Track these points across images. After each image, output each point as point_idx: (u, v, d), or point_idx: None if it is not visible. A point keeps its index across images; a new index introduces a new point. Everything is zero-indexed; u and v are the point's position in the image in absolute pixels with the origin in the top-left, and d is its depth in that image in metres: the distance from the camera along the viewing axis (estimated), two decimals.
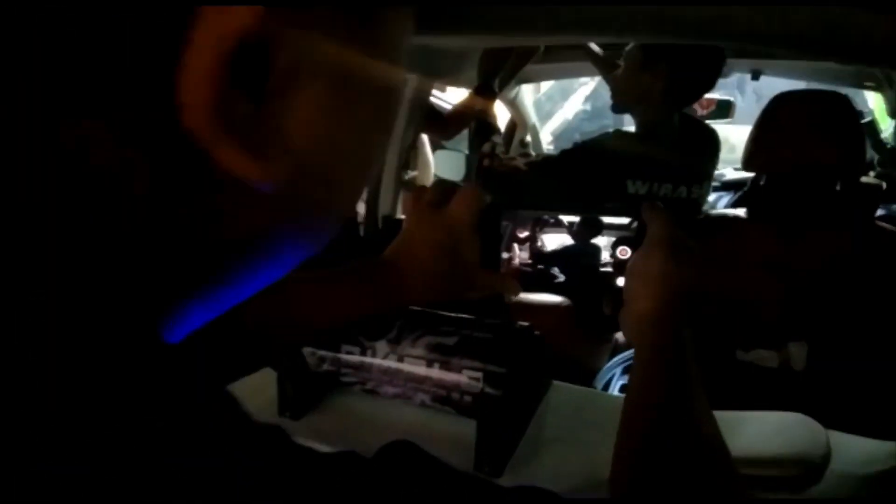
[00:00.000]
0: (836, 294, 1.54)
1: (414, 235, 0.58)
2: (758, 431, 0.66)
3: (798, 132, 1.45)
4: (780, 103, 1.48)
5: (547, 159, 1.55)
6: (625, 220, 0.67)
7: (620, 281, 0.61)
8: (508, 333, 0.64)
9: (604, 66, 1.82)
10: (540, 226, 0.70)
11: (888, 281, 1.46)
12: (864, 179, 1.47)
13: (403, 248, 0.59)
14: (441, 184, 0.64)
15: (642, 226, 0.60)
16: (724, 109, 2.19)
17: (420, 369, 0.63)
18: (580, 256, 0.69)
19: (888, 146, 2.00)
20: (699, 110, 2.28)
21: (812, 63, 1.75)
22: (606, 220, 0.62)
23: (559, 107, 3.95)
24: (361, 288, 0.57)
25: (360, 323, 0.66)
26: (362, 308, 0.57)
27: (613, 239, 0.68)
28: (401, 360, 0.64)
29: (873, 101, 2.08)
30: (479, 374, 0.61)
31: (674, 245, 0.56)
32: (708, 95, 2.17)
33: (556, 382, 0.74)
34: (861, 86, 1.86)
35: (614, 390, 1.71)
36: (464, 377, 0.61)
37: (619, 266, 0.64)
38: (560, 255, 0.67)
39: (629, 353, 1.86)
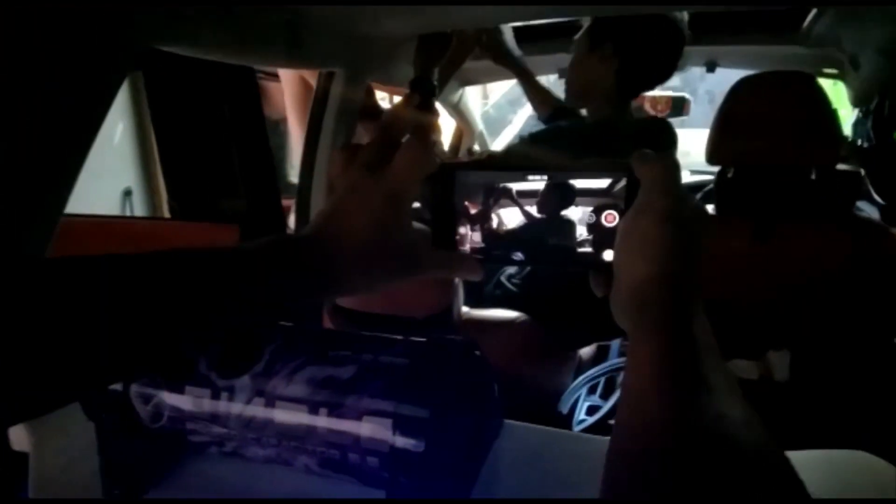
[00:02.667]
0: (819, 294, 1.38)
1: (345, 204, 0.47)
2: (818, 477, 0.45)
3: (766, 117, 1.28)
4: (744, 87, 1.31)
5: (493, 154, 1.39)
6: (602, 184, 0.48)
7: (608, 255, 0.50)
8: (434, 355, 0.41)
9: (523, 74, 1.71)
10: (495, 198, 0.54)
11: (873, 276, 1.30)
12: (840, 167, 1.30)
13: (332, 221, 0.46)
14: (380, 140, 0.50)
15: (632, 183, 0.48)
16: (678, 107, 2.04)
17: (300, 417, 0.40)
18: (548, 233, 0.50)
19: (849, 139, 1.85)
20: (653, 112, 2.14)
21: (771, 50, 1.60)
22: (580, 185, 0.47)
23: (509, 118, 3.78)
24: (269, 272, 0.42)
25: (211, 349, 0.43)
26: (269, 303, 0.42)
27: (590, 209, 0.48)
28: (271, 404, 0.41)
29: (830, 92, 1.94)
30: (388, 422, 0.38)
31: (676, 198, 0.45)
32: (662, 93, 2.02)
33: (508, 422, 0.51)
34: (821, 74, 1.71)
35: (581, 413, 1.51)
36: (366, 427, 0.38)
37: (605, 236, 0.45)
38: (522, 234, 0.48)
39: (595, 370, 1.67)
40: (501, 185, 0.53)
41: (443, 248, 0.52)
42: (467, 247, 0.54)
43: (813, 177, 1.30)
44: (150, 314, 0.38)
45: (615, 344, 1.76)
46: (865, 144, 1.82)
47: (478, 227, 0.54)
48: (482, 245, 0.54)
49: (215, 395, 0.42)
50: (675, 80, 1.78)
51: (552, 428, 0.52)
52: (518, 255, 0.54)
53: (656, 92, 1.97)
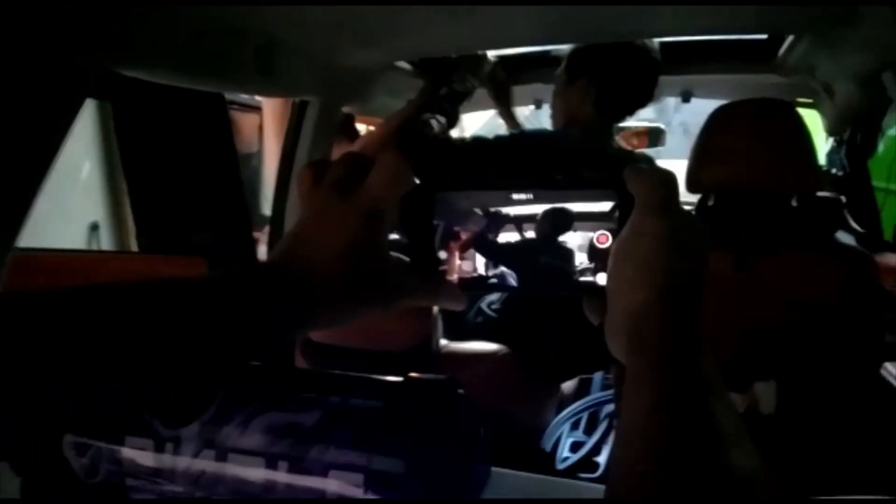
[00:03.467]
0: (804, 323, 1.34)
1: (314, 227, 0.42)
2: None
3: (747, 145, 1.26)
4: (723, 115, 1.29)
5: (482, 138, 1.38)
6: (603, 207, 0.44)
7: (602, 279, 0.45)
8: (410, 396, 0.36)
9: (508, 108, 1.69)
10: (487, 228, 0.51)
11: (857, 304, 1.27)
12: (820, 194, 1.28)
13: (299, 247, 0.42)
14: (351, 156, 0.45)
15: (625, 201, 0.43)
16: (654, 138, 2.03)
17: (257, 473, 0.34)
18: (541, 257, 0.46)
19: (824, 168, 1.85)
20: (629, 147, 2.14)
21: (745, 79, 1.59)
22: (579, 209, 0.44)
23: None
24: (232, 305, 0.38)
25: (155, 392, 0.37)
26: (232, 338, 0.38)
27: (591, 235, 0.44)
28: (223, 457, 0.35)
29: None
30: (358, 477, 0.32)
31: (673, 215, 0.41)
32: (637, 124, 2.01)
33: (496, 470, 0.46)
34: (796, 103, 1.70)
35: (564, 450, 1.46)
36: (333, 483, 0.33)
37: (599, 258, 0.40)
38: (513, 257, 0.44)
39: (578, 404, 1.62)
40: (492, 209, 0.49)
41: (422, 274, 0.48)
42: (454, 275, 0.49)
43: (794, 204, 1.28)
44: (92, 351, 0.33)
45: (597, 377, 1.71)
46: (840, 173, 1.82)
47: (463, 251, 0.50)
48: (468, 272, 0.50)
49: (159, 447, 0.36)
50: (649, 112, 1.77)
51: (543, 476, 0.46)
52: (508, 280, 0.50)
53: (631, 123, 1.96)
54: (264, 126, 1.95)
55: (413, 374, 0.37)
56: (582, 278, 0.48)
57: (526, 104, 1.90)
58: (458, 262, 0.50)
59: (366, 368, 0.40)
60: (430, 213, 0.49)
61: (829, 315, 1.25)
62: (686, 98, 1.77)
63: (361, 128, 1.98)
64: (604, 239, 0.47)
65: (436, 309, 1.24)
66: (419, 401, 0.35)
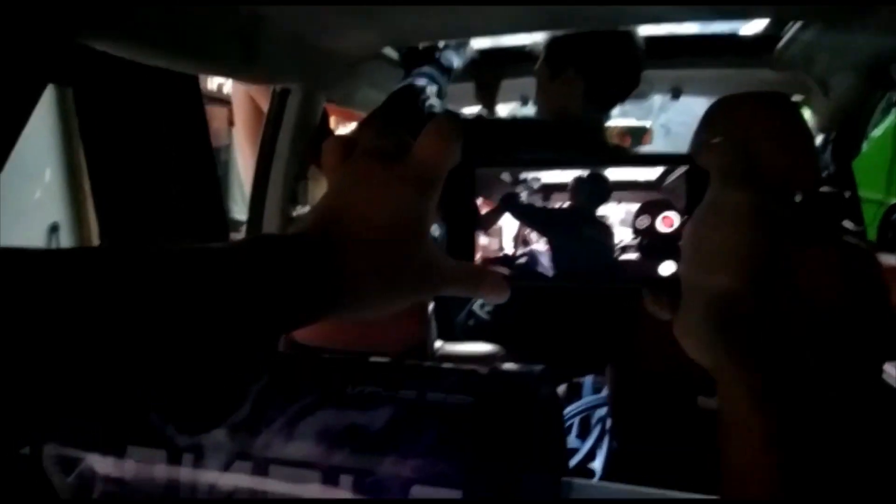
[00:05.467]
0: (811, 320, 1.28)
1: (357, 196, 0.36)
2: None
3: (747, 137, 1.22)
4: (722, 108, 1.25)
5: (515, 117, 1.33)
6: (648, 175, 0.37)
7: (666, 268, 0.40)
8: (504, 391, 0.28)
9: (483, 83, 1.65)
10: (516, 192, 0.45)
11: (860, 304, 1.23)
12: (822, 189, 1.25)
13: (340, 216, 0.35)
14: (390, 128, 0.39)
15: (695, 176, 0.37)
16: (638, 137, 2.00)
17: (311, 490, 0.26)
18: (581, 240, 0.39)
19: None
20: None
21: (737, 75, 1.56)
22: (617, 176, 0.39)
23: None
24: (251, 280, 0.31)
25: (166, 391, 0.29)
26: (247, 323, 0.31)
27: (634, 207, 0.37)
28: (262, 470, 0.26)
29: None
30: (455, 494, 0.24)
31: (757, 186, 0.35)
32: (622, 122, 1.97)
33: (568, 480, 0.39)
34: None
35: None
36: None
37: (662, 243, 0.32)
38: (555, 218, 0.37)
39: (570, 409, 1.56)
40: (523, 177, 0.42)
41: (461, 259, 0.41)
42: (478, 254, 0.43)
43: (798, 199, 1.24)
44: (74, 336, 0.25)
45: (588, 381, 1.66)
46: (825, 172, 1.81)
47: (494, 234, 0.43)
48: (493, 251, 0.43)
49: (174, 459, 0.28)
50: (632, 113, 1.72)
51: (619, 485, 0.39)
52: (541, 261, 0.43)
53: (616, 122, 1.92)
54: (235, 121, 1.85)
55: (503, 366, 0.29)
56: (623, 257, 0.41)
57: (512, 100, 1.83)
58: (481, 239, 0.43)
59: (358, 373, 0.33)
60: (472, 192, 0.43)
61: (835, 313, 1.21)
62: (675, 95, 1.72)
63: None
64: (669, 221, 0.40)
65: (430, 308, 1.16)
66: (515, 396, 0.27)
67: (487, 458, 0.24)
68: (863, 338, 1.23)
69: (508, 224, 0.44)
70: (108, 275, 0.27)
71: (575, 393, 1.62)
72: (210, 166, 1.30)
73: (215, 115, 2.19)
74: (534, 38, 1.47)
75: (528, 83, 1.60)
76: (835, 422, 0.33)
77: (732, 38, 1.52)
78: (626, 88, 1.40)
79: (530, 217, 0.43)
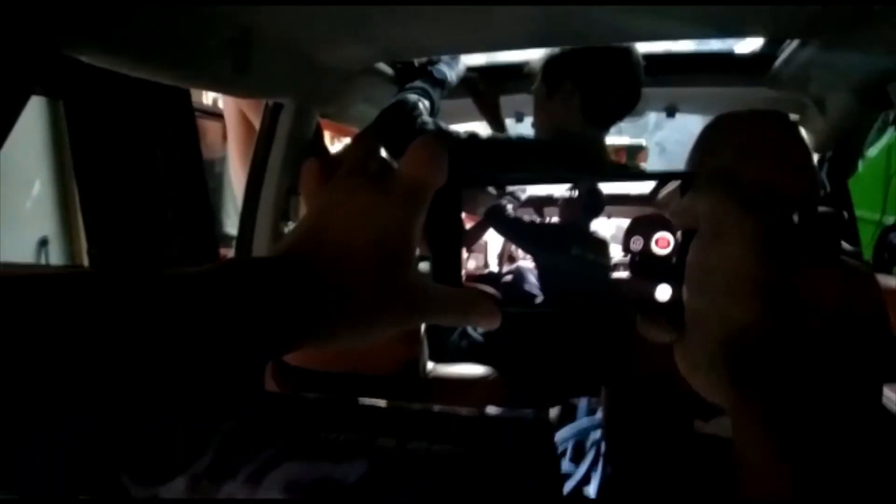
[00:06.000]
0: (808, 344, 1.26)
1: (341, 215, 0.34)
2: None
3: (747, 155, 1.20)
4: (720, 126, 1.23)
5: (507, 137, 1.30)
6: (641, 188, 0.35)
7: (663, 293, 0.37)
8: (495, 440, 0.25)
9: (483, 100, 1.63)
10: (502, 205, 0.43)
11: (859, 327, 1.21)
12: (821, 209, 1.23)
13: (323, 237, 0.33)
14: (368, 137, 0.30)
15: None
16: (633, 155, 1.98)
17: None
18: (575, 243, 0.36)
19: None
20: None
21: (733, 93, 1.55)
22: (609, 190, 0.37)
23: None
24: (223, 306, 0.28)
25: (116, 435, 0.26)
26: (215, 354, 0.27)
27: (626, 222, 0.34)
28: None
29: None
30: None
31: (761, 211, 0.33)
32: (617, 141, 1.96)
33: None
34: None
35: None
36: None
37: (658, 265, 0.30)
38: (542, 234, 0.35)
39: (563, 432, 1.52)
40: (509, 189, 0.39)
41: (447, 284, 0.38)
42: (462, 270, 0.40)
43: (795, 219, 1.22)
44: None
45: (583, 403, 1.63)
46: (821, 192, 1.79)
47: (478, 250, 0.40)
48: (476, 268, 0.41)
49: None
50: (627, 131, 1.70)
51: None
52: (528, 278, 0.40)
53: (612, 140, 1.90)
54: (228, 138, 1.82)
55: (492, 409, 0.26)
56: (615, 274, 0.39)
57: (505, 116, 1.81)
58: (464, 256, 0.40)
59: (348, 394, 0.30)
60: (458, 214, 0.41)
61: (839, 336, 1.18)
62: (671, 113, 1.71)
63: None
64: (664, 243, 0.38)
65: (422, 329, 1.14)
66: (508, 446, 0.24)
67: None
68: (865, 360, 1.21)
69: (494, 239, 0.41)
70: (64, 305, 0.24)
71: (569, 415, 1.59)
72: (200, 180, 1.27)
73: (210, 128, 2.16)
74: (532, 57, 1.46)
75: (523, 100, 1.59)
76: (838, 447, 0.31)
77: (728, 57, 1.51)
78: (624, 105, 1.37)
79: (516, 233, 0.41)
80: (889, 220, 2.02)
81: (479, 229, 0.39)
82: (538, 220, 0.38)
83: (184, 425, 0.26)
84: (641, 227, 0.36)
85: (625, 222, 0.38)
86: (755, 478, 0.31)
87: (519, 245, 0.40)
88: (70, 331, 0.23)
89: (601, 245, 0.37)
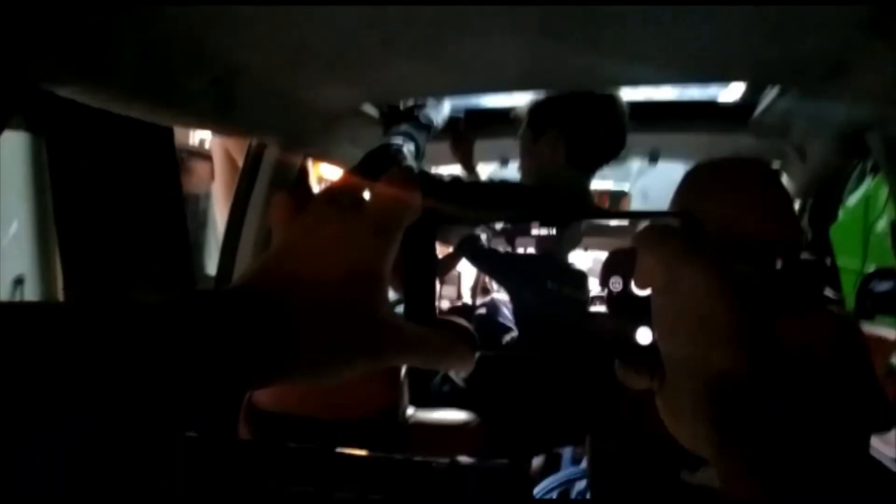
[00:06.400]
0: (793, 391, 1.24)
1: (308, 245, 0.33)
2: None
3: (729, 203, 1.20)
4: (701, 173, 1.24)
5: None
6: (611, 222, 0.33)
7: (643, 336, 0.36)
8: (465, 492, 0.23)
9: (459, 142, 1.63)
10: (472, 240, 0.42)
11: (853, 375, 1.20)
12: (803, 256, 1.22)
13: (288, 267, 0.32)
14: (347, 177, 0.39)
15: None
16: (617, 200, 1.99)
17: None
18: (551, 276, 0.34)
19: None
20: None
21: (715, 140, 1.56)
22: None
23: None
24: (180, 340, 0.26)
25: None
26: (172, 391, 0.26)
27: (601, 257, 0.33)
28: None
29: None
30: None
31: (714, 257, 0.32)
32: (600, 186, 1.96)
33: None
34: None
35: None
36: None
37: (637, 307, 0.28)
38: (517, 265, 0.33)
39: (547, 482, 1.48)
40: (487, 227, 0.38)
41: (421, 323, 0.37)
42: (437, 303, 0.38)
43: (778, 267, 1.22)
44: None
45: (567, 452, 1.59)
46: (803, 239, 1.80)
47: (451, 282, 0.39)
48: (449, 300, 0.39)
49: None
50: (610, 176, 1.71)
51: None
52: (501, 310, 0.39)
53: (595, 186, 1.91)
54: (215, 179, 1.81)
55: (463, 459, 0.24)
56: (593, 309, 0.37)
57: (491, 160, 1.82)
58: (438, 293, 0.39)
59: (324, 441, 0.28)
60: (432, 251, 0.39)
61: (826, 384, 1.17)
62: (653, 158, 1.72)
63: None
64: (616, 283, 0.36)
65: (403, 372, 1.11)
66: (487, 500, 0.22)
67: None
68: (851, 408, 1.19)
69: (467, 270, 0.39)
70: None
71: (554, 464, 1.55)
72: (181, 220, 1.25)
73: (198, 169, 2.16)
74: (518, 103, 1.47)
75: (508, 145, 1.59)
76: (827, 497, 0.29)
77: (711, 105, 1.53)
78: (609, 152, 1.38)
79: (490, 265, 0.39)
80: (871, 268, 2.03)
81: (452, 259, 0.37)
82: (513, 251, 0.36)
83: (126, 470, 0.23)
84: (619, 262, 0.35)
85: (602, 255, 0.36)
86: None
87: (493, 277, 0.38)
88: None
89: (578, 278, 0.35)
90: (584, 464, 1.47)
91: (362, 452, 0.27)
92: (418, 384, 1.42)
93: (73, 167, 1.20)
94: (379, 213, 0.34)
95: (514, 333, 0.34)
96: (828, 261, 1.61)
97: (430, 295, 0.38)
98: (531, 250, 0.37)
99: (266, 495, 0.23)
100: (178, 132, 2.32)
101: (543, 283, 0.37)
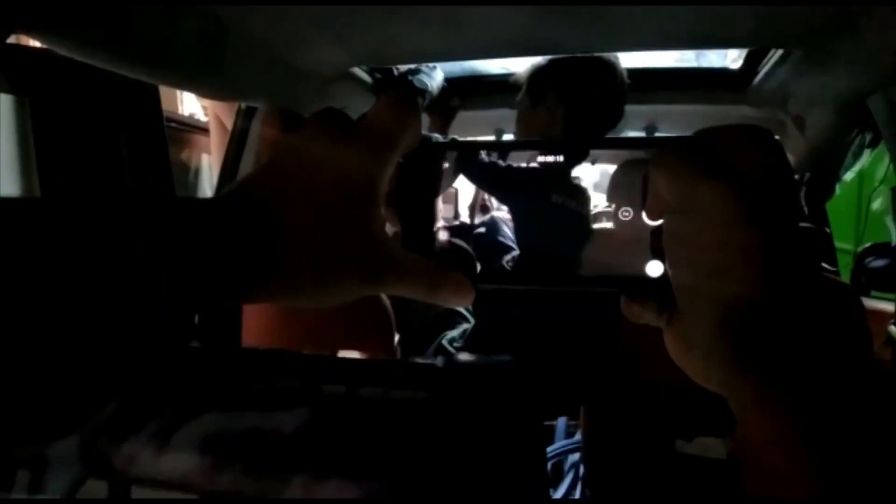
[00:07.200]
0: (797, 334, 1.21)
1: (300, 159, 0.31)
2: None
3: (730, 169, 1.19)
4: (701, 139, 1.22)
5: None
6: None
7: (654, 268, 0.34)
8: (469, 386, 0.21)
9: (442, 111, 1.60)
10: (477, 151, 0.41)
11: (851, 342, 1.17)
12: (803, 225, 1.21)
13: (279, 180, 0.30)
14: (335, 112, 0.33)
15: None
16: None
17: None
18: (556, 189, 0.32)
19: None
20: None
21: (712, 111, 1.54)
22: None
23: None
24: (154, 247, 0.24)
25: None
26: (173, 293, 0.24)
27: (610, 170, 0.30)
28: (120, 496, 0.19)
29: None
30: None
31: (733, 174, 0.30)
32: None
33: None
34: None
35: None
36: None
37: (647, 237, 0.25)
38: (521, 179, 0.31)
39: (559, 445, 1.46)
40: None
41: (418, 252, 0.35)
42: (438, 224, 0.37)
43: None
44: None
45: (561, 423, 1.57)
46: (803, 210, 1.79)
47: (448, 200, 0.37)
48: (446, 219, 0.37)
49: (4, 478, 0.20)
50: None
51: None
52: (502, 229, 0.37)
53: None
54: (211, 146, 1.78)
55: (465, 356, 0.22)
56: (596, 225, 0.34)
57: (486, 133, 1.79)
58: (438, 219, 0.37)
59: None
60: (436, 175, 0.37)
61: (813, 356, 1.15)
62: (650, 132, 1.70)
63: None
64: (626, 213, 0.34)
65: (396, 339, 1.09)
66: (484, 394, 0.20)
67: (443, 476, 0.17)
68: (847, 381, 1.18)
69: (465, 187, 0.37)
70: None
71: (547, 436, 1.53)
72: (167, 183, 1.22)
73: (196, 142, 2.14)
74: (517, 69, 1.44)
75: (502, 115, 1.56)
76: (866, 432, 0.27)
77: (709, 73, 1.51)
78: (607, 120, 1.35)
79: (489, 180, 0.36)
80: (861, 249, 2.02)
81: (449, 176, 0.35)
82: (514, 164, 0.34)
83: (82, 374, 0.21)
84: (629, 180, 0.32)
85: (610, 168, 0.34)
86: (765, 472, 0.27)
87: (492, 193, 0.36)
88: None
89: (580, 193, 0.33)
90: (577, 436, 1.45)
91: (356, 355, 0.25)
92: (413, 355, 1.41)
93: (56, 126, 1.17)
94: (374, 130, 0.32)
95: (516, 253, 0.32)
96: (827, 230, 1.59)
97: (430, 226, 0.36)
98: (534, 164, 0.34)
99: (236, 393, 0.21)
100: (175, 104, 2.30)
101: (546, 198, 0.35)
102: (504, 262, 0.37)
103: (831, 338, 0.29)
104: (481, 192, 0.37)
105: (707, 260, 0.29)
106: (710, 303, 0.29)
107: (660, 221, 0.33)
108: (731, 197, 0.29)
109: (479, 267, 0.37)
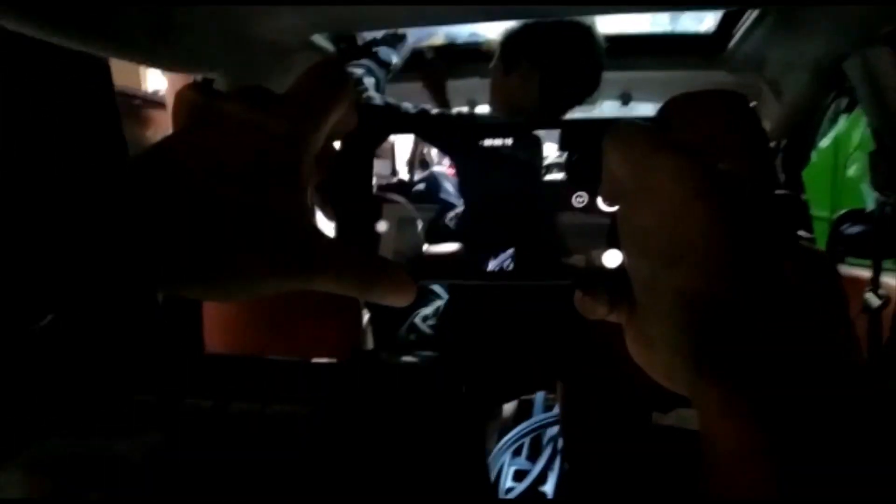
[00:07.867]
0: (767, 329, 1.20)
1: (200, 140, 0.28)
2: None
3: (703, 139, 1.16)
4: (675, 106, 1.19)
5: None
6: None
7: (611, 258, 0.31)
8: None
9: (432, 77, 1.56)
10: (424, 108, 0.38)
11: (827, 312, 1.16)
12: (778, 192, 1.18)
13: (183, 150, 0.27)
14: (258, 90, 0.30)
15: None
16: None
17: None
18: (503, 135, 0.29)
19: None
20: None
21: (688, 77, 1.50)
22: None
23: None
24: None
25: None
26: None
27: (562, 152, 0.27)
28: None
29: None
30: None
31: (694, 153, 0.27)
32: None
33: None
34: None
35: (508, 479, 1.30)
36: None
37: (602, 225, 0.22)
38: (466, 129, 0.28)
39: (519, 429, 1.45)
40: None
41: (353, 246, 0.32)
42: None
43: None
44: None
45: (539, 397, 1.56)
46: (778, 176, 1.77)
47: (384, 155, 0.34)
48: (382, 176, 0.34)
49: None
50: None
51: None
52: (443, 185, 0.34)
53: None
54: (171, 122, 1.73)
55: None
56: (548, 177, 0.32)
57: (458, 104, 1.74)
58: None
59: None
60: (369, 164, 0.34)
61: (788, 323, 1.14)
62: (625, 101, 1.66)
63: None
64: (581, 199, 0.31)
65: (365, 319, 1.06)
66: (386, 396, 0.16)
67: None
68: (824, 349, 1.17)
69: (402, 141, 0.34)
70: None
71: (525, 411, 1.52)
72: (121, 159, 1.16)
73: (161, 118, 2.10)
74: (490, 35, 1.40)
75: (476, 85, 1.52)
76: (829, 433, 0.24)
77: (684, 38, 1.47)
78: (583, 87, 1.31)
79: (434, 132, 0.33)
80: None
81: (395, 126, 0.32)
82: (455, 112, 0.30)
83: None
84: (584, 162, 0.29)
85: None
86: (728, 471, 0.24)
87: (432, 143, 0.33)
88: None
89: (532, 141, 0.30)
90: (556, 409, 1.44)
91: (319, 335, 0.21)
92: (385, 334, 1.38)
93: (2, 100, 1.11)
94: (299, 99, 0.29)
95: (459, 210, 0.29)
96: (803, 197, 1.57)
97: (368, 215, 0.33)
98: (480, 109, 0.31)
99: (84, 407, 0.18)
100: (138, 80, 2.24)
101: (492, 146, 0.32)
102: (447, 220, 0.34)
103: (806, 323, 0.26)
104: (420, 145, 0.34)
105: (665, 250, 0.26)
106: (668, 296, 0.26)
107: (616, 208, 0.31)
108: (689, 168, 0.26)
109: (420, 225, 0.33)
